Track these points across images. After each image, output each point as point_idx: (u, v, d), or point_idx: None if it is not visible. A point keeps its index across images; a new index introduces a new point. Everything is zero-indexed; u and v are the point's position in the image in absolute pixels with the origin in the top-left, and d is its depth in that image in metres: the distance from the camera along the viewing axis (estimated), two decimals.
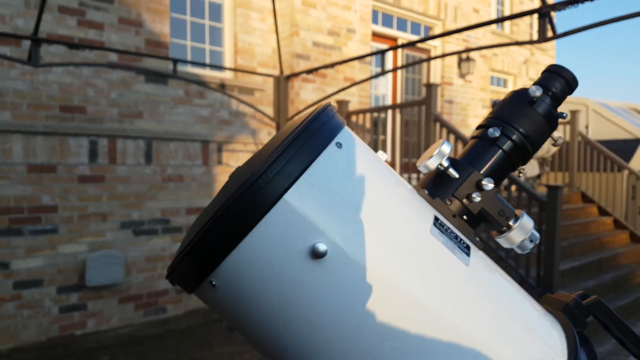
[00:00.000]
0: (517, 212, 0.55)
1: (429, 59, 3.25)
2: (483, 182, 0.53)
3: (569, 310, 0.58)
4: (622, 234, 6.64)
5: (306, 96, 5.85)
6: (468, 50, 2.76)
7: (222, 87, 5.42)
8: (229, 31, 5.70)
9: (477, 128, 0.61)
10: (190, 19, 5.46)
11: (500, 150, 0.57)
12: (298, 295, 0.43)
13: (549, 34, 2.12)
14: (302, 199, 0.43)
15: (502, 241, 0.55)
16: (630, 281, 5.66)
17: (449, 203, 0.54)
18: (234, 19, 5.67)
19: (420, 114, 5.42)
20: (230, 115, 5.52)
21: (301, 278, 0.43)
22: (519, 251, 0.56)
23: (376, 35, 7.18)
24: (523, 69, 10.50)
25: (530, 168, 7.15)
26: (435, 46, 8.05)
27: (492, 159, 0.56)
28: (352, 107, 6.37)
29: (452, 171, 0.53)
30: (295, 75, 3.62)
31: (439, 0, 7.82)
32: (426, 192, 0.54)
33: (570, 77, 0.58)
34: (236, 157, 5.56)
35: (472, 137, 0.60)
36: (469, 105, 8.47)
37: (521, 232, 0.54)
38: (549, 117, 0.57)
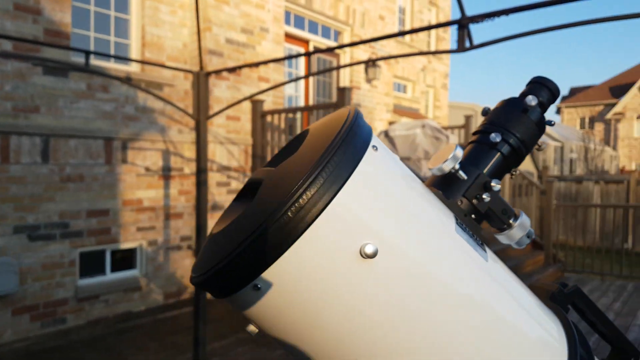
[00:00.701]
0: (516, 211, 0.60)
1: (351, 64, 3.34)
2: (492, 184, 0.57)
3: (555, 298, 0.64)
4: None
5: (220, 94, 5.73)
6: (399, 55, 2.89)
7: (128, 80, 5.13)
8: (136, 23, 5.40)
9: (475, 134, 0.65)
10: (95, 9, 5.10)
11: (499, 154, 0.61)
12: (348, 294, 0.44)
13: (472, 43, 2.29)
14: (351, 201, 0.44)
15: (502, 238, 0.60)
16: (519, 272, 6.26)
17: (460, 203, 0.58)
18: (142, 10, 5.39)
19: None
20: (136, 110, 5.24)
21: (351, 277, 0.44)
22: (515, 246, 0.61)
23: (288, 36, 7.22)
24: (421, 76, 11.15)
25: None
26: (345, 51, 8.28)
27: (492, 162, 0.61)
28: (267, 106, 6.35)
29: (461, 173, 0.57)
30: (218, 72, 3.54)
31: (348, 6, 8.06)
32: (440, 192, 0.57)
33: (554, 87, 0.65)
34: (143, 155, 5.29)
35: (471, 142, 0.65)
36: (375, 109, 8.83)
37: (521, 229, 0.58)
38: (539, 124, 0.63)
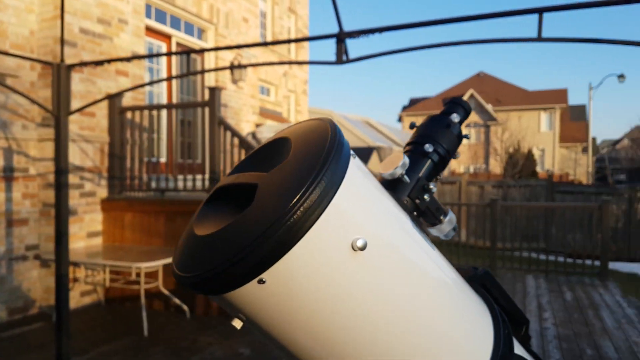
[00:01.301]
0: (445, 208, 0.72)
1: (226, 68, 3.33)
2: (430, 186, 0.69)
3: (471, 279, 0.78)
4: None
5: (73, 87, 5.24)
6: (282, 63, 2.96)
7: None
8: None
9: (409, 144, 0.77)
10: None
11: (431, 161, 0.74)
12: (344, 281, 0.51)
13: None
14: (343, 202, 0.51)
15: (434, 231, 0.72)
16: None
17: (405, 203, 0.68)
18: None
19: (204, 116, 5.44)
20: None
21: (345, 267, 0.51)
22: (444, 238, 0.73)
23: (149, 30, 6.87)
24: (283, 81, 11.43)
25: None
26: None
27: (425, 168, 0.73)
28: (126, 102, 5.97)
29: (406, 178, 0.67)
30: (83, 65, 3.25)
31: (212, 5, 7.93)
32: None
33: (467, 107, 0.79)
34: None
35: (406, 151, 0.76)
36: (242, 110, 8.82)
37: (449, 224, 0.71)
38: (459, 136, 0.77)
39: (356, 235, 0.50)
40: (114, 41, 5.86)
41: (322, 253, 0.48)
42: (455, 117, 0.75)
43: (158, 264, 4.51)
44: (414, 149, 0.74)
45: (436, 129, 0.74)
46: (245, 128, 8.82)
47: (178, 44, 7.49)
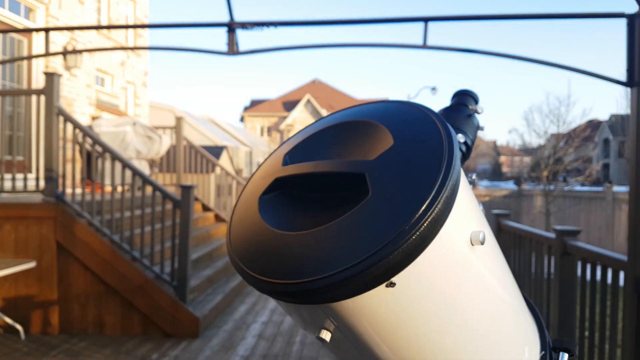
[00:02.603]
0: None
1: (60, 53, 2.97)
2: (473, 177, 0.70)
3: None
4: (222, 226, 7.72)
5: None
6: (123, 48, 2.70)
7: None
8: None
9: None
10: None
11: (460, 152, 0.75)
12: (463, 277, 0.50)
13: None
14: (462, 195, 0.50)
15: None
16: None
17: None
18: None
19: (39, 105, 4.73)
20: None
21: (468, 261, 0.50)
22: None
23: None
24: (120, 70, 10.61)
25: (142, 168, 7.33)
26: (38, 31, 7.11)
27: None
28: None
29: None
30: None
31: None
32: None
33: (477, 97, 0.81)
34: None
35: None
36: (76, 100, 7.91)
37: None
38: (478, 127, 0.78)
39: (473, 229, 0.49)
40: None
41: (450, 249, 0.47)
42: (476, 108, 0.76)
43: None
44: None
45: (460, 120, 0.73)
46: (81, 121, 7.93)
47: (0, 23, 6.40)
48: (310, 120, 34.88)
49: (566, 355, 0.68)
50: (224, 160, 11.42)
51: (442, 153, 0.47)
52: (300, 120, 34.79)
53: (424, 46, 2.37)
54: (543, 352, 0.67)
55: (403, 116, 0.54)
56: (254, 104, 38.05)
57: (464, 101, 0.78)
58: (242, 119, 36.85)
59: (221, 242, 6.98)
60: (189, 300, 4.69)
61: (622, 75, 2.39)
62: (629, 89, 2.43)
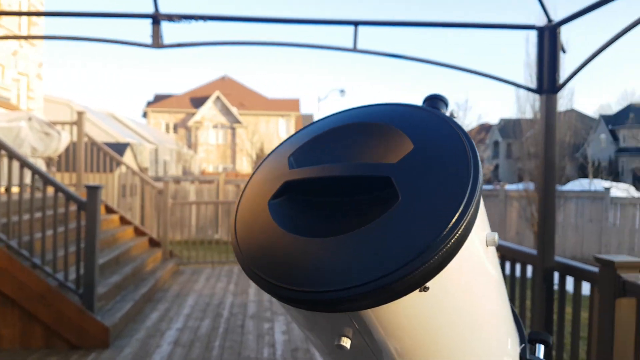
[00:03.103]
0: None
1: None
2: None
3: None
4: (128, 229, 7.29)
5: None
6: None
7: None
8: None
9: None
10: None
11: None
12: (481, 279, 0.52)
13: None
14: (482, 207, 0.51)
15: None
16: (143, 271, 6.34)
17: None
18: None
19: None
20: None
21: (484, 262, 0.52)
22: None
23: None
24: (12, 61, 9.69)
25: (40, 166, 6.72)
26: None
27: None
28: None
29: None
30: None
31: None
32: None
33: (447, 101, 0.84)
34: None
35: None
36: None
37: None
38: None
39: (487, 230, 0.52)
40: None
41: (473, 252, 0.49)
42: (452, 113, 0.78)
43: None
44: None
45: None
46: None
47: None
48: (220, 117, 34.13)
49: (542, 347, 0.72)
50: (127, 158, 10.83)
51: (467, 156, 0.47)
52: (209, 117, 33.90)
53: (354, 49, 2.42)
54: (523, 345, 0.71)
55: (415, 119, 0.54)
56: (159, 99, 36.40)
57: (435, 106, 0.80)
58: (145, 115, 35.13)
59: (128, 246, 6.60)
60: (97, 308, 4.37)
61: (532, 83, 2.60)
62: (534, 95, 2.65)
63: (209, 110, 33.91)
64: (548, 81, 2.62)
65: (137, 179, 8.26)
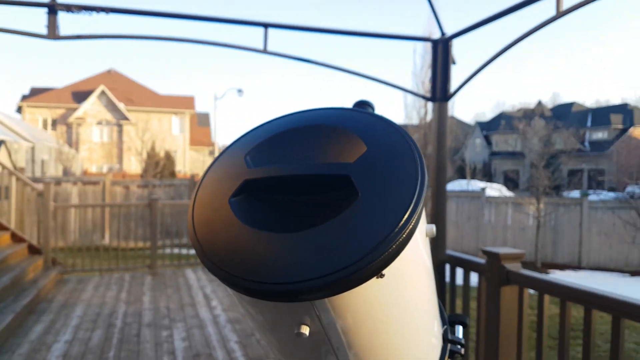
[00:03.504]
0: None
1: None
2: None
3: None
4: (4, 235, 6.58)
5: None
6: None
7: None
8: None
9: None
10: None
11: None
12: (424, 267, 0.59)
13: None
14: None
15: None
16: (24, 280, 5.75)
17: None
18: None
19: None
20: None
21: (425, 252, 0.59)
22: None
23: None
24: None
25: None
26: None
27: None
28: None
29: None
30: None
31: None
32: None
33: (374, 107, 0.91)
34: None
35: None
36: None
37: None
38: None
39: (426, 223, 0.57)
40: None
41: (418, 242, 0.54)
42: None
43: None
44: None
45: None
46: None
47: None
48: (105, 113, 31.90)
49: (461, 327, 0.81)
50: (1, 157, 9.74)
51: (414, 157, 0.53)
52: (93, 113, 31.54)
53: (264, 51, 2.43)
54: (445, 327, 0.79)
55: (364, 123, 0.59)
56: (35, 92, 33.08)
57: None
58: (19, 110, 31.77)
59: (4, 255, 5.96)
60: None
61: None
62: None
63: (92, 105, 31.54)
64: (441, 90, 2.85)
65: (13, 179, 7.46)
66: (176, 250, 9.45)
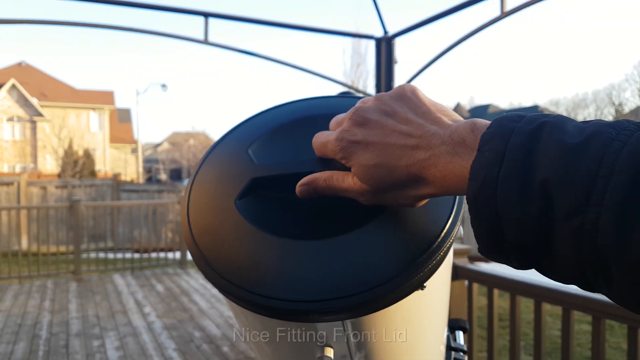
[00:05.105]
0: None
1: None
2: None
3: None
4: None
5: None
6: None
7: None
8: None
9: None
10: None
11: None
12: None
13: None
14: None
15: None
16: None
17: None
18: None
19: None
20: None
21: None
22: None
23: None
24: None
25: None
26: None
27: None
28: None
29: None
30: None
31: None
32: None
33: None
34: None
35: None
36: None
37: None
38: None
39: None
40: None
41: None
42: None
43: None
44: None
45: None
46: None
47: None
48: (17, 109, 29.55)
49: (462, 332, 0.78)
50: None
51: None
52: (2, 109, 29.09)
53: (205, 42, 2.29)
54: (447, 333, 0.75)
55: None
56: None
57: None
58: None
59: None
60: None
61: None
62: None
63: (2, 100, 29.09)
64: (385, 88, 2.85)
65: None
66: (102, 255, 8.92)
